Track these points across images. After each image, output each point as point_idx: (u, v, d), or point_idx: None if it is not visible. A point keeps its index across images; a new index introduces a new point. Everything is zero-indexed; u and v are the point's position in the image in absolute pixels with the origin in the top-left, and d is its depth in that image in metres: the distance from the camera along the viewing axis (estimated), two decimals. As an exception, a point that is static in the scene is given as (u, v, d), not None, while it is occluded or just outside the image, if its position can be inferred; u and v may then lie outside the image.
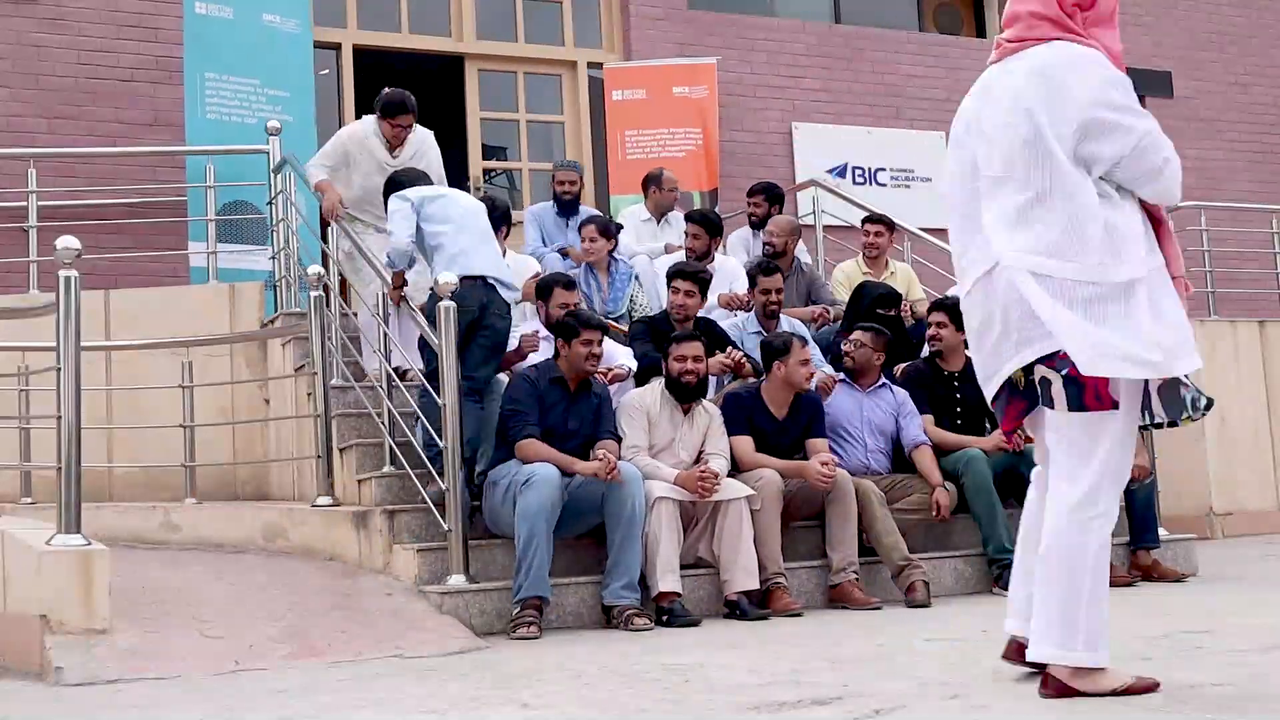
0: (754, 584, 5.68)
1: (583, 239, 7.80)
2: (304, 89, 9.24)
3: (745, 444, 6.17)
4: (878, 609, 5.79)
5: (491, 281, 6.16)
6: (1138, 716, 3.03)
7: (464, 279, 5.92)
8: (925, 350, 7.62)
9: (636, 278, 7.91)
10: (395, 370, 6.53)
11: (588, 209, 8.88)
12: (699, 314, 6.95)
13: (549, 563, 5.33)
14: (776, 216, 8.48)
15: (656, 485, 5.66)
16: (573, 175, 8.63)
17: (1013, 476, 6.58)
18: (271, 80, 9.04)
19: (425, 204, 6.26)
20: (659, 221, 8.82)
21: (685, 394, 5.98)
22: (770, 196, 8.82)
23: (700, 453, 6.04)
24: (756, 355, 6.62)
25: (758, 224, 8.73)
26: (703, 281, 6.93)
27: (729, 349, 6.68)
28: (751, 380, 6.54)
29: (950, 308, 6.84)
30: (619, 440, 5.84)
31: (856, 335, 6.74)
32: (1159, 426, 3.40)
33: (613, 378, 6.42)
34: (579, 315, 5.95)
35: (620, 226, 8.25)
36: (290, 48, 9.18)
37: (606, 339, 6.86)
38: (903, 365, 7.10)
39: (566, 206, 8.56)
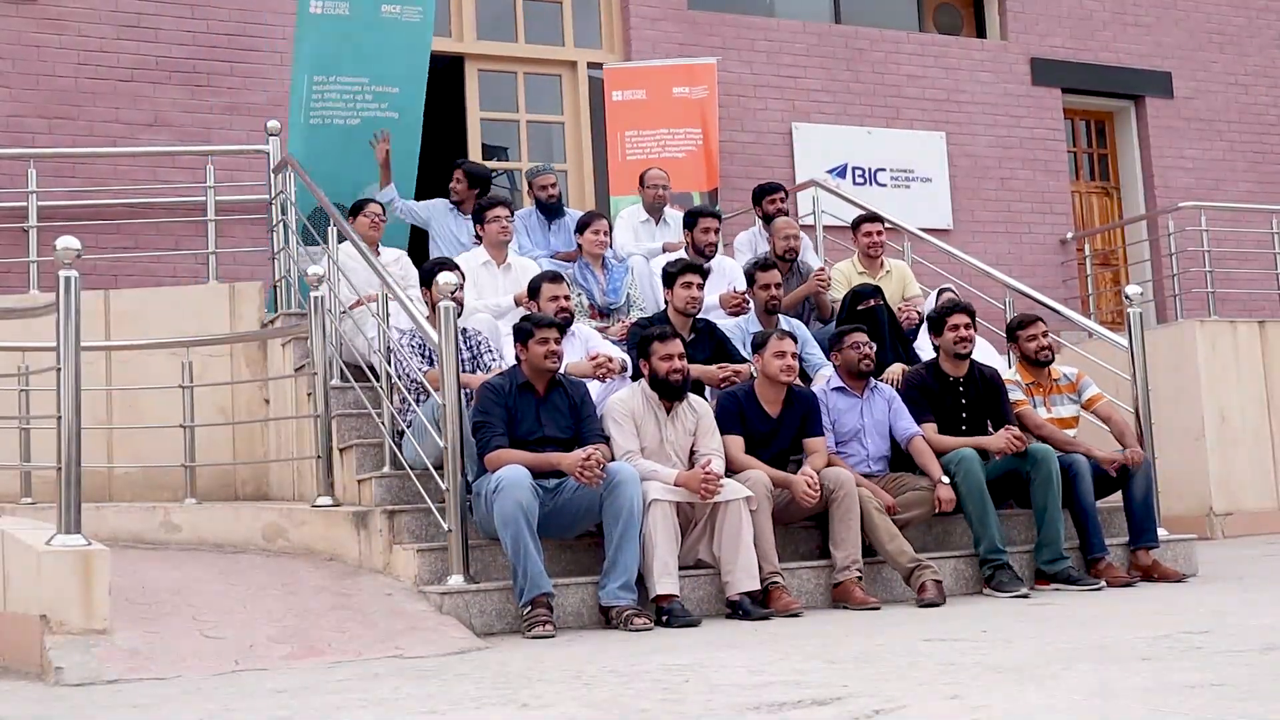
0: (755, 585, 5.68)
1: (594, 233, 7.81)
2: (416, 82, 8.87)
3: (736, 444, 6.15)
4: (876, 609, 5.78)
5: None
6: (1138, 715, 3.03)
7: None
8: (920, 348, 7.65)
9: (632, 270, 7.95)
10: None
11: (575, 212, 8.89)
12: (699, 317, 6.97)
13: (541, 559, 5.33)
14: (788, 219, 8.50)
15: (652, 487, 5.64)
16: (552, 179, 8.65)
17: (1014, 477, 6.58)
18: (381, 77, 8.72)
19: None
20: (657, 221, 8.83)
21: (673, 393, 5.96)
22: (786, 193, 8.94)
23: (691, 453, 6.02)
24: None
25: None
26: (705, 274, 7.01)
27: (718, 364, 6.69)
28: (748, 379, 6.54)
29: (972, 311, 6.84)
30: (606, 442, 5.80)
31: (855, 337, 6.70)
32: None
33: (604, 370, 6.41)
34: (532, 316, 5.96)
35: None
36: (409, 39, 8.80)
37: (593, 336, 6.90)
38: (900, 371, 7.07)
39: (551, 211, 8.56)
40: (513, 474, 5.38)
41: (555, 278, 6.76)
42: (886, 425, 6.63)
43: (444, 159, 10.69)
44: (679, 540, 5.70)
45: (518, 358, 5.86)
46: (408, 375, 6.25)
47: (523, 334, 5.82)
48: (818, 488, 5.98)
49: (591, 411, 5.90)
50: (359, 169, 8.67)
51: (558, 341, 5.83)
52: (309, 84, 8.62)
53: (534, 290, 6.72)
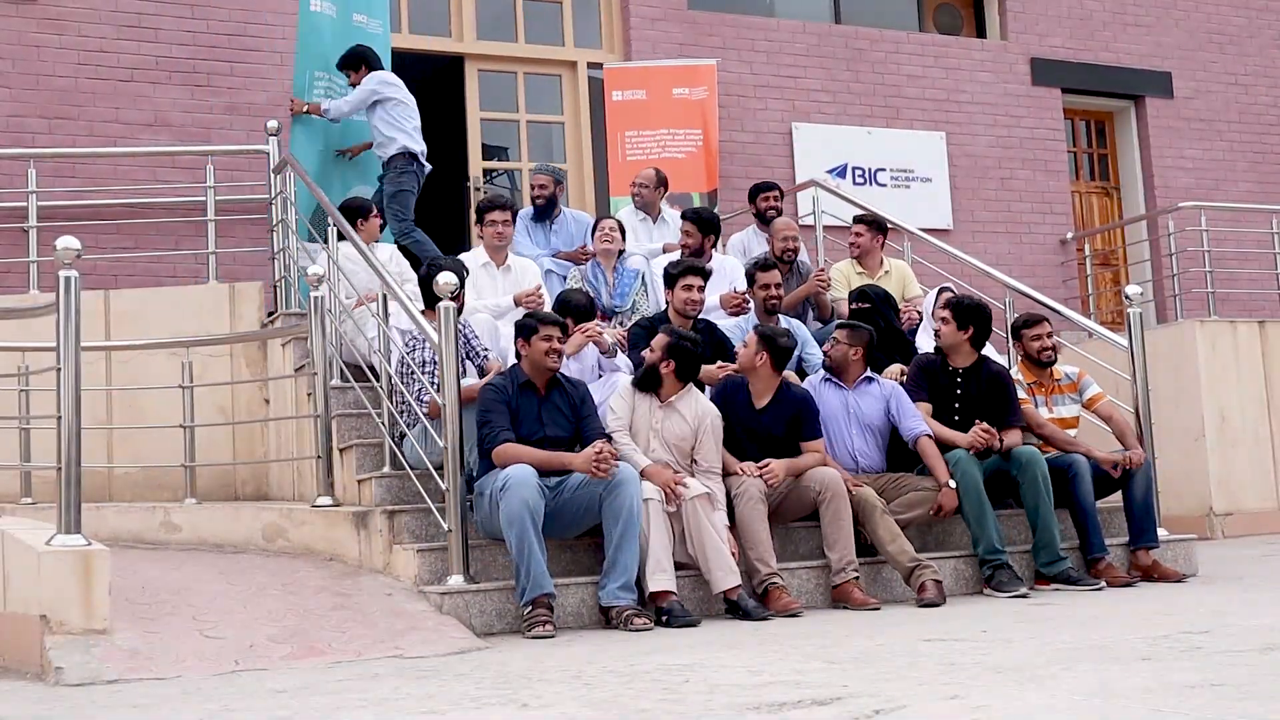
0: (735, 580, 5.65)
1: (602, 232, 7.81)
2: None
3: None
4: (875, 609, 5.78)
5: None
6: (1138, 715, 3.03)
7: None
8: (920, 347, 7.66)
9: (642, 277, 7.94)
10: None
11: (575, 212, 8.89)
12: (699, 317, 6.98)
13: (544, 560, 5.33)
14: (788, 220, 8.51)
15: (647, 486, 5.65)
16: (543, 179, 8.61)
17: (1003, 477, 6.57)
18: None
19: None
20: (655, 220, 8.83)
21: (656, 383, 6.00)
22: (781, 192, 8.93)
23: (692, 456, 6.02)
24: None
25: (769, 220, 8.76)
26: (706, 276, 6.99)
27: (719, 364, 6.68)
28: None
29: (955, 306, 6.84)
30: (609, 440, 5.80)
31: (834, 333, 6.78)
32: None
33: (594, 337, 6.41)
34: (535, 313, 5.96)
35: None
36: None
37: (599, 352, 6.87)
38: (899, 371, 7.10)
39: (540, 211, 8.55)
40: (520, 473, 5.38)
41: (587, 314, 6.69)
42: (881, 421, 6.63)
43: (444, 160, 10.70)
44: (673, 537, 5.70)
45: (518, 354, 5.86)
46: (415, 381, 6.21)
47: (526, 330, 5.81)
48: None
49: (592, 410, 5.91)
50: (339, 166, 8.88)
51: (560, 340, 5.83)
52: (311, 79, 8.80)
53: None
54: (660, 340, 6.09)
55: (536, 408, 5.76)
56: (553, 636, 5.15)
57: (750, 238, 8.88)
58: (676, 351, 6.01)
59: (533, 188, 8.60)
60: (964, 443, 6.49)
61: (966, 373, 6.80)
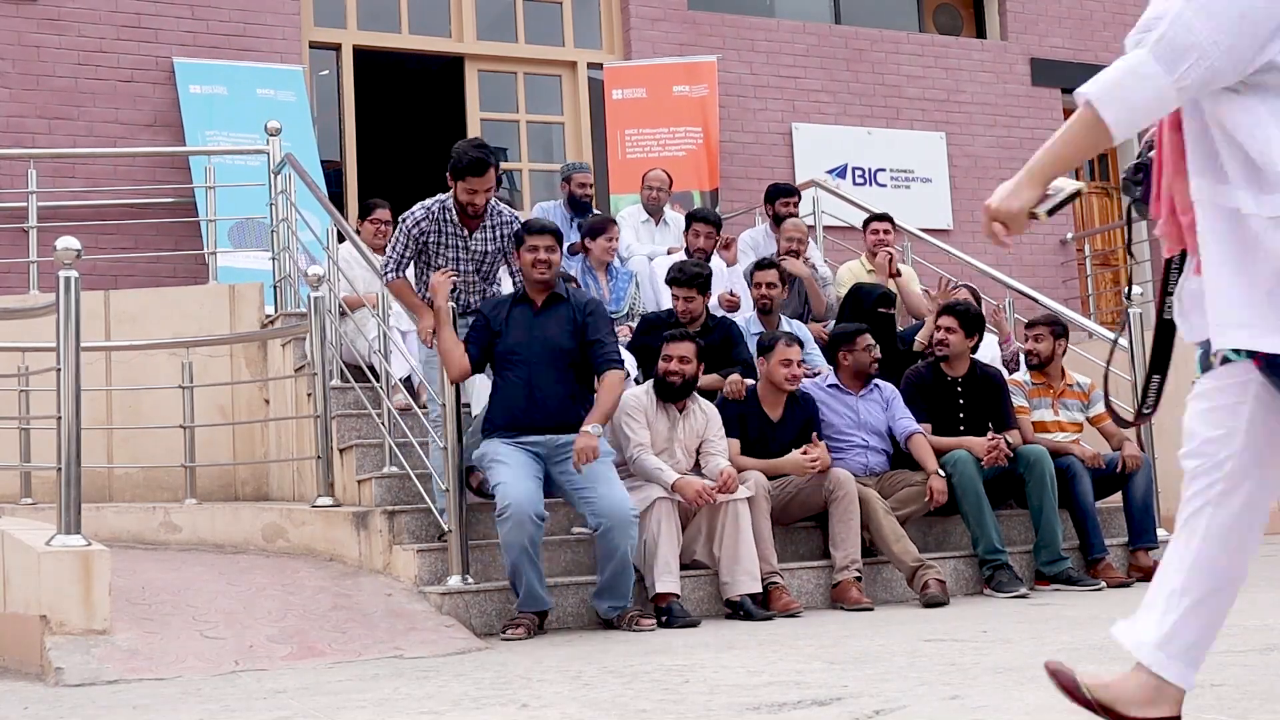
0: (756, 587, 5.66)
1: (607, 240, 7.73)
2: (303, 138, 9.26)
3: (732, 446, 6.15)
4: (869, 609, 5.78)
5: None
6: (1138, 717, 3.02)
7: None
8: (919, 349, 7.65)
9: (634, 278, 7.93)
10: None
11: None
12: (723, 316, 7.00)
13: (539, 580, 5.23)
14: (795, 220, 8.50)
15: (656, 487, 5.65)
16: (590, 177, 8.66)
17: (1005, 477, 6.56)
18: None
19: None
20: (657, 223, 8.82)
21: (669, 393, 5.93)
22: (799, 197, 8.98)
23: (697, 454, 6.02)
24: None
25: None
26: (701, 281, 6.83)
27: (732, 376, 6.54)
28: (750, 382, 6.52)
29: (960, 313, 6.79)
30: (620, 365, 5.60)
31: (871, 339, 6.67)
32: None
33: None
34: (528, 223, 5.78)
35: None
36: (289, 115, 9.16)
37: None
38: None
39: (583, 208, 8.53)
40: (519, 506, 5.15)
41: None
42: (884, 426, 6.63)
43: (443, 161, 10.71)
44: (680, 539, 5.69)
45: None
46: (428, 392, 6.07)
47: (516, 240, 5.72)
48: (816, 457, 5.99)
49: (601, 327, 5.64)
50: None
51: (550, 250, 5.62)
52: (204, 138, 9.14)
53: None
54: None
55: (528, 319, 5.61)
56: (523, 639, 5.09)
57: (761, 237, 8.88)
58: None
59: (581, 185, 8.52)
60: (980, 453, 6.39)
61: (966, 380, 6.79)
